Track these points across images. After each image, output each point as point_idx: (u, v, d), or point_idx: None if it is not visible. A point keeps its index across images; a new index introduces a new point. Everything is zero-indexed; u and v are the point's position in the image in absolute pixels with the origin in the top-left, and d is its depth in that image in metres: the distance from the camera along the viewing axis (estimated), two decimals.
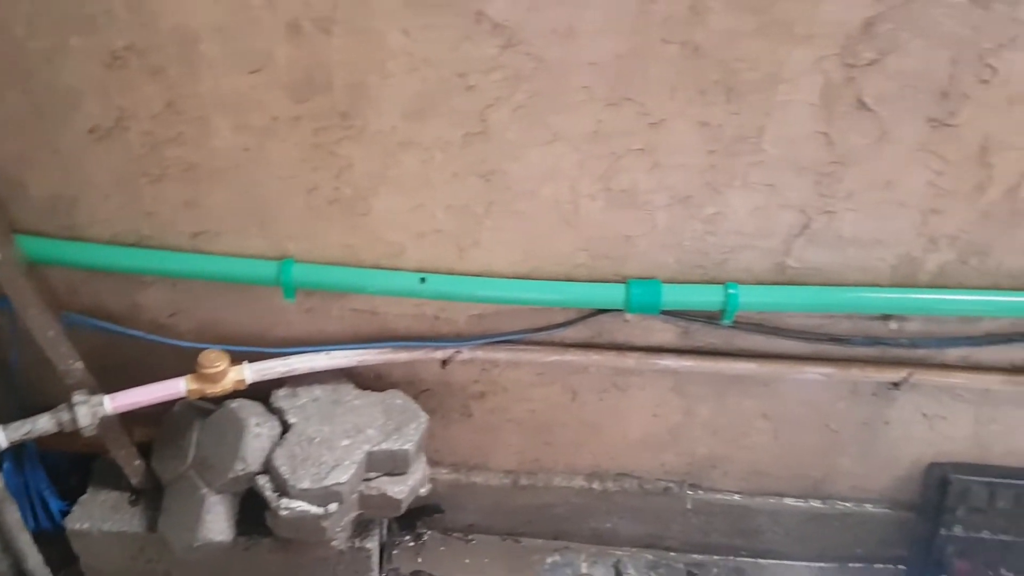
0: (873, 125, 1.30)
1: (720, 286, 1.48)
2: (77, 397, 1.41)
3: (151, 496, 1.63)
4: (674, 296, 1.48)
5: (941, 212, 1.39)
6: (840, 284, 1.49)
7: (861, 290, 1.49)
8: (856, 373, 1.60)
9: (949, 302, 1.47)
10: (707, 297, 1.48)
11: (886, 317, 1.55)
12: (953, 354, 1.59)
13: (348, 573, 1.71)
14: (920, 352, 1.58)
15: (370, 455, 1.54)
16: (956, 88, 1.26)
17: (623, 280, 1.49)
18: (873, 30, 1.20)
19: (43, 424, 1.40)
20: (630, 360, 1.62)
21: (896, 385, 1.64)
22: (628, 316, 1.54)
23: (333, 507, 1.50)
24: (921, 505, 1.85)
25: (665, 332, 1.60)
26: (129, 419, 1.53)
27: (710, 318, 1.53)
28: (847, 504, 1.89)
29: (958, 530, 1.81)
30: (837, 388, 1.68)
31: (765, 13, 1.18)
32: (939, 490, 1.80)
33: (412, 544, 1.98)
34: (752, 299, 1.48)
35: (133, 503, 1.64)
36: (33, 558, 1.63)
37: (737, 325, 1.55)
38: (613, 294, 1.48)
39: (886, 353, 1.60)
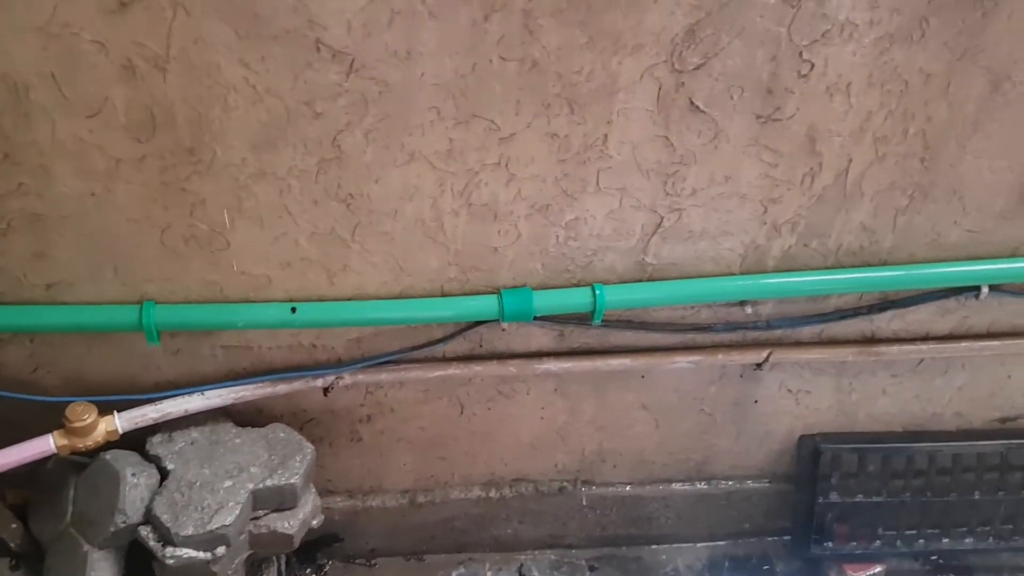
0: (707, 125, 1.37)
1: (587, 288, 1.53)
2: None
3: (32, 559, 1.56)
4: (545, 301, 1.52)
5: (779, 201, 1.48)
6: (696, 276, 1.56)
7: (715, 280, 1.56)
8: (722, 358, 1.68)
9: (796, 284, 1.57)
10: (576, 300, 1.53)
11: (742, 303, 1.63)
12: (807, 332, 1.69)
13: None
14: (777, 332, 1.68)
15: (255, 493, 1.52)
16: (778, 84, 1.35)
17: (495, 291, 1.52)
18: (696, 35, 1.27)
19: None
20: (511, 368, 1.65)
21: (759, 366, 1.73)
22: (504, 325, 1.58)
23: (221, 551, 1.47)
24: (797, 476, 1.95)
25: (542, 337, 1.64)
26: (1, 481, 1.47)
27: (582, 319, 1.58)
28: (729, 482, 1.98)
29: (834, 496, 1.92)
30: (706, 373, 1.76)
31: (592, 26, 1.24)
32: (812, 460, 1.91)
33: None
34: (618, 297, 1.53)
35: (13, 568, 1.57)
36: None
37: (607, 323, 1.60)
38: (487, 305, 1.51)
39: (746, 337, 1.69)
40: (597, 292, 1.52)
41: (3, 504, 1.52)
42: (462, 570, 2.00)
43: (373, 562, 1.99)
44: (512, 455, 1.88)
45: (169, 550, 1.44)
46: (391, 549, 1.99)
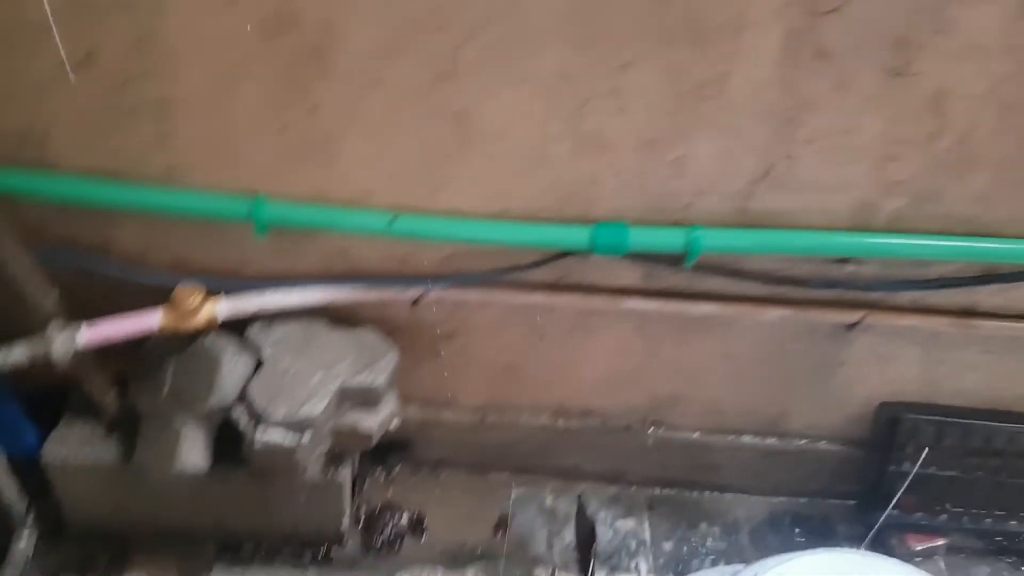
0: (832, 73, 1.33)
1: (684, 229, 1.52)
2: (52, 328, 1.43)
3: (127, 427, 1.67)
4: (639, 239, 1.52)
5: (897, 159, 1.44)
6: (800, 228, 1.54)
7: (820, 234, 1.54)
8: (813, 315, 1.66)
9: (903, 246, 1.53)
10: (671, 240, 1.53)
11: (843, 260, 1.61)
12: (905, 297, 1.66)
13: (321, 502, 1.77)
14: (875, 295, 1.65)
15: (342, 389, 1.59)
16: (913, 38, 1.30)
17: (590, 222, 1.53)
18: None
19: (17, 355, 1.42)
20: (595, 301, 1.67)
21: (851, 327, 1.71)
22: (594, 258, 1.59)
23: (306, 438, 1.55)
24: (872, 442, 1.94)
25: (629, 274, 1.65)
26: (104, 352, 1.56)
27: (673, 261, 1.58)
28: (801, 441, 1.98)
29: (906, 466, 1.90)
30: (795, 329, 1.74)
31: None
32: (889, 428, 1.89)
33: (383, 478, 2.04)
34: (714, 242, 1.53)
35: (109, 434, 1.68)
36: (8, 489, 1.68)
37: (699, 268, 1.60)
38: (580, 236, 1.52)
39: (842, 296, 1.66)
40: (694, 235, 1.52)
41: (105, 373, 1.62)
42: (522, 491, 2.06)
43: (439, 472, 2.07)
44: (584, 388, 1.91)
45: (259, 432, 1.52)
46: (457, 462, 2.06)
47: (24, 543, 1.75)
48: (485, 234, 1.54)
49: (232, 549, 1.84)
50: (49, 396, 1.72)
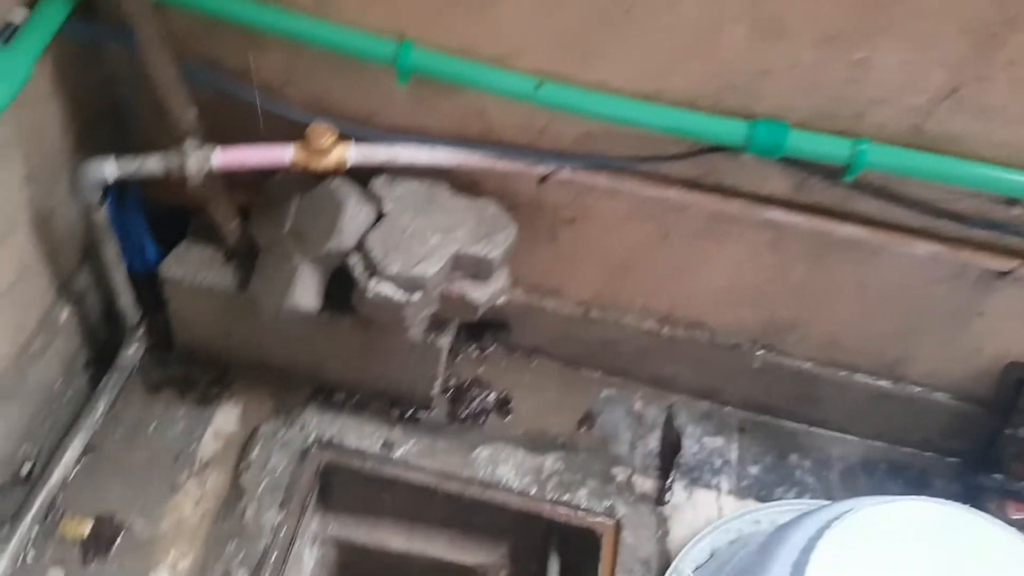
0: None
1: (850, 140, 1.41)
2: (188, 144, 1.43)
3: (244, 258, 1.69)
4: (799, 143, 1.42)
5: None
6: (975, 158, 1.42)
7: (995, 168, 1.41)
8: (966, 255, 1.55)
9: None
10: (834, 149, 1.42)
11: (1011, 201, 1.48)
12: None
13: (417, 364, 1.78)
14: None
15: (457, 255, 1.57)
16: None
17: (749, 118, 1.43)
18: None
19: (152, 164, 1.43)
20: (734, 206, 1.59)
21: (1002, 275, 1.59)
22: (744, 157, 1.49)
23: (416, 297, 1.54)
24: (992, 401, 1.84)
25: (778, 182, 1.55)
26: (232, 180, 1.57)
27: (830, 173, 1.48)
28: (917, 389, 1.88)
29: (1023, 432, 1.81)
30: (941, 269, 1.63)
31: None
32: (1015, 389, 1.78)
33: (477, 355, 2.04)
34: (881, 159, 1.41)
35: (227, 261, 1.71)
36: (125, 297, 1.72)
37: (857, 185, 1.49)
38: (736, 131, 1.43)
39: (1000, 239, 1.54)
40: (861, 147, 1.41)
41: (230, 201, 1.63)
42: (613, 392, 2.03)
43: (532, 359, 2.05)
44: (698, 298, 1.84)
45: (372, 282, 1.52)
46: (551, 352, 2.04)
47: (132, 352, 1.81)
48: (634, 114, 1.46)
49: (326, 393, 1.88)
50: (174, 217, 1.75)
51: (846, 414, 1.97)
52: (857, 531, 1.42)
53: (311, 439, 1.77)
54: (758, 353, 1.89)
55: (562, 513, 1.75)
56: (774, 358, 1.89)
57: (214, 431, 1.80)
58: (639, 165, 1.57)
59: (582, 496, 1.77)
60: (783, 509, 1.84)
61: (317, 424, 1.79)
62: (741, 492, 1.90)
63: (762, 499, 1.90)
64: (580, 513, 1.75)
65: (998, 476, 1.87)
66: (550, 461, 1.82)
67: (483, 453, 1.80)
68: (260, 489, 1.68)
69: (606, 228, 1.74)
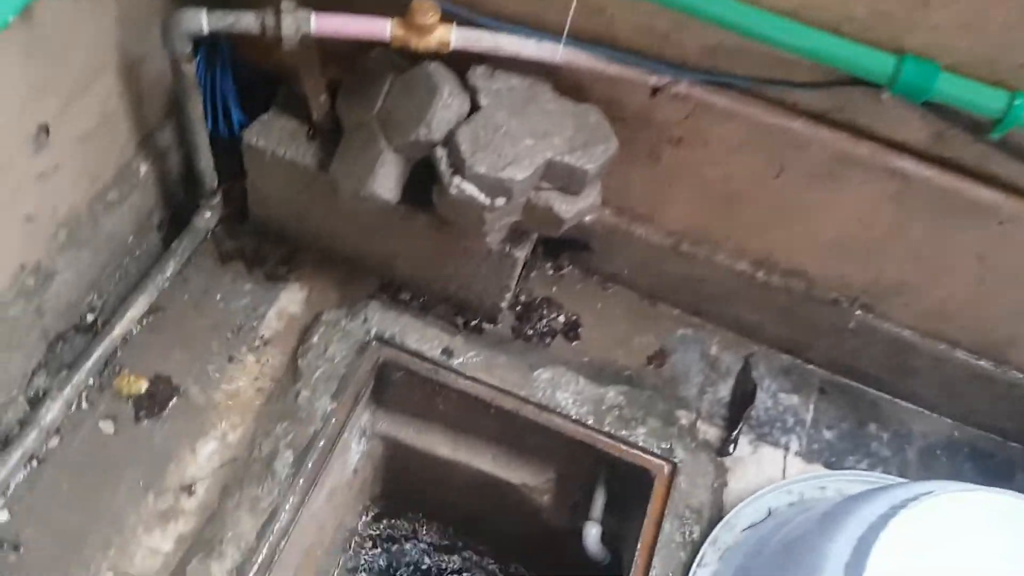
0: None
1: (1008, 92, 1.25)
2: (286, 5, 1.35)
3: (328, 137, 1.62)
4: (948, 87, 1.27)
5: None
6: None
7: None
8: None
9: None
10: (987, 100, 1.27)
11: None
12: None
13: (490, 273, 1.71)
14: None
15: (550, 163, 1.47)
16: None
17: (897, 52, 1.28)
18: None
19: (246, 21, 1.36)
20: (862, 149, 1.44)
21: None
22: (884, 96, 1.34)
23: (500, 202, 1.46)
24: None
25: (915, 128, 1.40)
26: (326, 51, 1.49)
27: (977, 127, 1.32)
28: (1020, 375, 1.74)
29: None
30: None
31: None
32: None
33: (551, 273, 1.96)
34: None
35: (310, 138, 1.64)
36: (205, 159, 1.68)
37: (1003, 144, 1.34)
38: (881, 64, 1.28)
39: None
40: (1018, 102, 1.25)
41: (321, 74, 1.55)
42: (690, 332, 1.93)
43: (609, 286, 1.96)
44: (802, 245, 1.71)
45: (456, 179, 1.44)
46: (631, 282, 1.94)
47: (207, 218, 1.78)
48: (770, 30, 1.31)
49: (392, 291, 1.83)
50: (261, 86, 1.69)
51: (937, 391, 1.84)
52: (931, 516, 1.32)
53: (372, 334, 1.72)
54: (856, 313, 1.76)
55: (617, 448, 1.68)
56: (872, 320, 1.76)
57: (277, 310, 1.77)
58: (766, 88, 1.44)
59: (640, 434, 1.70)
60: (853, 479, 1.75)
61: (379, 320, 1.75)
62: (810, 455, 1.80)
63: (831, 466, 1.80)
64: (636, 451, 1.69)
65: None
66: (612, 394, 1.75)
67: (543, 375, 1.74)
68: (316, 375, 1.66)
69: (715, 155, 1.61)
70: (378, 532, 2.11)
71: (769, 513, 1.68)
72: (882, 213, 1.56)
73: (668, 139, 1.62)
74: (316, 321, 1.75)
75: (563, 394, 1.71)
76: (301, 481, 1.54)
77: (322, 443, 1.58)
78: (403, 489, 2.02)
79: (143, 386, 1.62)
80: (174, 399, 1.63)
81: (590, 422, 1.69)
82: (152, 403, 1.61)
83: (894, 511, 1.34)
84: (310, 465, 1.56)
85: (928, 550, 1.30)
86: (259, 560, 1.45)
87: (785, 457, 1.79)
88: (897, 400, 1.90)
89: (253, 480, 1.53)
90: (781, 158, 1.55)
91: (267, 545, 1.47)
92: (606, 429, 1.69)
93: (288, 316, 1.77)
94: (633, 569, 1.55)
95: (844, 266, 1.70)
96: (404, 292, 1.83)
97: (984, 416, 1.85)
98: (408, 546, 2.12)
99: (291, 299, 1.80)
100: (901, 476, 1.79)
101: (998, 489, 1.36)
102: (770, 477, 1.75)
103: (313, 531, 1.70)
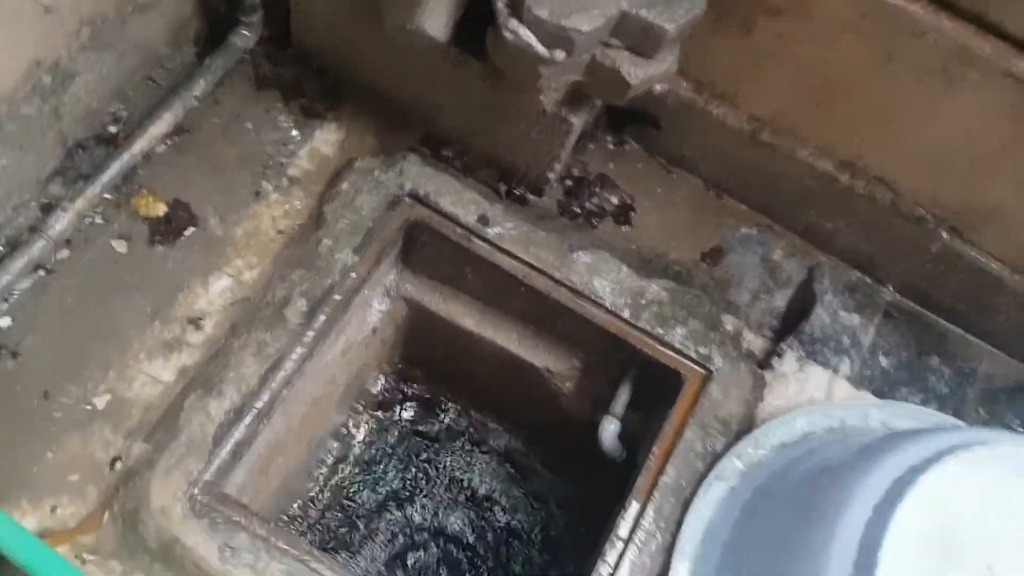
0: None
1: None
2: None
3: None
4: None
5: None
6: None
7: None
8: None
9: None
10: None
11: None
12: None
13: (541, 137, 1.57)
14: None
15: (623, 15, 1.31)
16: None
17: None
18: None
19: None
20: (986, 47, 1.25)
21: None
22: None
23: (559, 55, 1.31)
24: None
25: None
26: None
27: None
28: None
29: None
30: None
31: None
32: None
33: (611, 147, 1.81)
34: None
35: None
36: None
37: None
38: None
39: None
40: None
41: None
42: (754, 232, 1.78)
43: (673, 170, 1.81)
44: (897, 150, 1.53)
45: (513, 23, 1.28)
46: (698, 168, 1.79)
47: (245, 36, 1.66)
48: None
49: (434, 144, 1.70)
50: None
51: (1014, 332, 1.68)
52: (980, 468, 1.22)
53: (406, 188, 1.61)
54: (943, 235, 1.59)
55: (651, 346, 1.58)
56: (959, 246, 1.59)
57: (310, 149, 1.67)
58: None
59: (678, 335, 1.59)
60: (903, 413, 1.61)
61: (416, 175, 1.63)
62: (860, 381, 1.68)
63: (881, 395, 1.67)
64: (670, 352, 1.58)
65: None
66: (655, 288, 1.62)
67: (583, 258, 1.61)
68: (340, 225, 1.57)
69: (818, 32, 1.42)
70: (394, 395, 2.08)
71: (804, 436, 1.57)
72: (995, 126, 1.37)
73: (766, 8, 1.43)
74: (349, 167, 1.64)
75: (601, 281, 1.59)
76: (311, 333, 1.47)
77: (338, 297, 1.51)
78: (423, 355, 1.97)
79: (161, 209, 1.55)
80: (191, 228, 1.56)
81: (626, 315, 1.58)
82: (169, 228, 1.55)
83: (939, 456, 1.23)
84: (323, 318, 1.49)
85: (968, 507, 1.19)
86: (258, 405, 1.41)
87: (832, 379, 1.67)
88: (969, 335, 1.75)
89: (262, 324, 1.47)
90: (891, 46, 1.36)
91: (268, 391, 1.42)
92: (642, 325, 1.58)
93: (320, 157, 1.67)
94: (645, 470, 1.47)
95: (939, 181, 1.52)
96: (447, 148, 1.70)
97: None
98: (424, 410, 2.09)
99: (326, 139, 1.69)
100: (956, 416, 1.66)
101: None
102: (811, 398, 1.64)
103: (323, 383, 1.65)
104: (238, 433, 1.39)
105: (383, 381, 2.04)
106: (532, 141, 1.59)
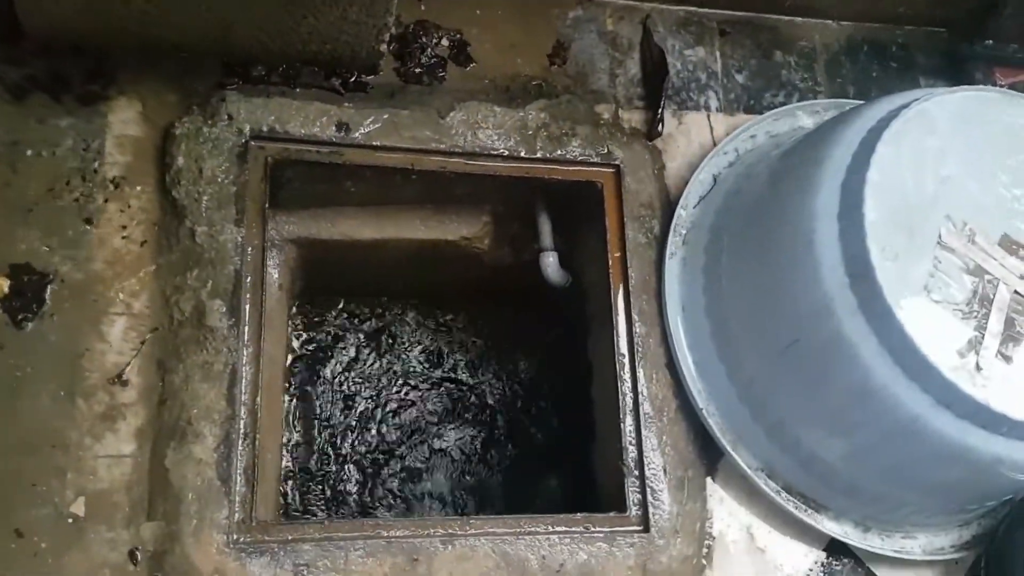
0: None
1: None
2: None
3: None
4: None
5: None
6: None
7: None
8: None
9: None
10: None
11: None
12: None
13: (361, 12, 1.42)
14: None
15: None
16: None
17: None
18: None
19: None
20: None
21: None
22: None
23: None
24: None
25: None
26: None
27: None
28: None
29: None
30: None
31: None
32: None
33: None
34: None
35: None
36: None
37: None
38: None
39: None
40: None
41: None
42: (580, 13, 1.77)
43: None
44: None
45: None
46: None
47: None
48: None
49: (241, 70, 1.54)
50: None
51: None
52: (928, 115, 1.38)
53: (246, 132, 1.46)
54: None
55: (558, 170, 1.59)
56: None
57: (115, 139, 1.46)
58: None
59: (575, 147, 1.60)
60: (776, 119, 1.75)
61: (247, 113, 1.47)
62: (730, 107, 1.79)
63: (752, 110, 1.80)
64: (577, 167, 1.60)
65: (988, 43, 1.82)
66: (533, 113, 1.61)
67: (456, 117, 1.56)
68: (204, 204, 1.42)
69: None
70: (313, 331, 2.00)
71: (714, 181, 1.67)
72: None
73: None
74: (170, 138, 1.46)
75: (485, 132, 1.56)
76: (247, 328, 1.37)
77: (249, 278, 1.40)
78: (329, 285, 1.89)
79: (4, 285, 1.34)
80: (48, 287, 1.37)
81: (523, 153, 1.56)
82: (25, 299, 1.35)
83: (892, 115, 1.38)
84: (248, 307, 1.38)
85: (934, 140, 1.37)
86: (242, 425, 1.33)
87: (709, 118, 1.77)
88: (794, 18, 1.88)
89: (191, 345, 1.36)
90: None
91: (243, 406, 1.34)
92: (540, 155, 1.57)
93: (131, 141, 1.47)
94: (613, 288, 1.53)
95: None
96: (256, 67, 1.54)
97: (876, 8, 1.87)
98: (345, 328, 2.04)
99: (123, 119, 1.48)
100: (815, 98, 1.82)
101: (977, 87, 1.46)
102: (701, 144, 1.74)
103: (270, 365, 1.57)
104: (241, 461, 1.32)
105: (303, 332, 1.96)
106: (352, 21, 1.45)
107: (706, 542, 1.50)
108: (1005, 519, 1.50)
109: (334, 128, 1.49)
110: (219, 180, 1.42)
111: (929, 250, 1.32)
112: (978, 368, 1.28)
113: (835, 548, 1.55)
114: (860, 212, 1.30)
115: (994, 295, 1.33)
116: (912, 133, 1.37)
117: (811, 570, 1.54)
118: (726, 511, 1.53)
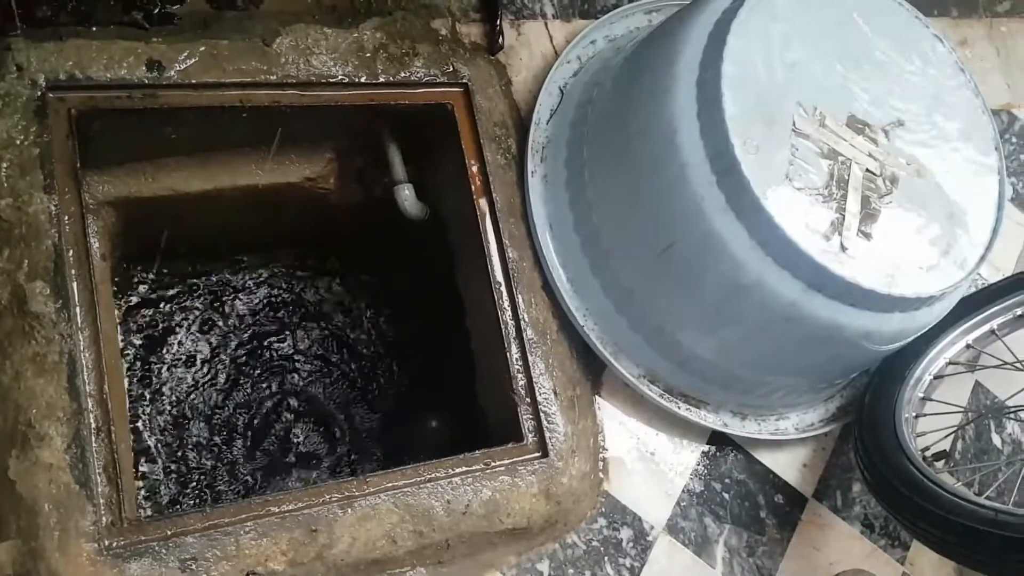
0: None
1: None
2: None
3: None
4: None
5: None
6: None
7: None
8: None
9: None
10: None
11: None
12: None
13: None
14: None
15: None
16: None
17: None
18: None
19: None
20: None
21: None
22: None
23: None
24: None
25: None
26: None
27: None
28: None
29: None
30: None
31: None
32: None
33: None
34: None
35: None
36: None
37: None
38: None
39: None
40: None
41: None
42: None
43: None
44: None
45: None
46: None
47: None
48: None
49: (23, 13, 1.31)
50: None
51: None
52: (759, 12, 1.40)
53: (41, 83, 1.27)
54: None
55: (404, 95, 1.49)
56: None
57: None
58: None
59: (419, 68, 1.51)
60: (612, 22, 1.74)
61: (38, 60, 1.27)
62: (565, 12, 1.75)
63: (587, 15, 1.77)
64: (423, 89, 1.51)
65: None
66: (368, 33, 1.49)
67: (284, 43, 1.42)
68: (3, 172, 1.22)
69: None
70: (146, 300, 1.82)
71: (562, 93, 1.64)
72: None
73: None
74: None
75: (319, 58, 1.43)
76: (78, 308, 1.21)
77: (71, 251, 1.23)
78: (159, 246, 1.71)
79: None
80: None
81: (364, 79, 1.46)
82: None
83: (736, 4, 1.40)
84: (75, 284, 1.22)
85: (778, 25, 1.40)
86: (92, 418, 1.19)
87: (547, 26, 1.72)
88: None
89: (16, 337, 1.18)
90: None
91: (90, 398, 1.19)
92: (382, 79, 1.47)
93: None
94: (480, 217, 1.48)
95: None
96: (40, 7, 1.33)
97: None
98: (183, 293, 1.87)
99: None
100: None
101: None
102: (543, 54, 1.69)
103: (109, 348, 1.40)
104: (98, 459, 1.18)
105: (135, 301, 1.78)
106: None
107: (601, 455, 1.51)
108: (868, 388, 1.62)
109: (144, 68, 1.32)
110: (17, 142, 1.23)
111: (786, 138, 1.36)
112: (843, 248, 1.34)
113: (717, 439, 1.62)
114: (720, 107, 1.31)
115: (848, 176, 1.39)
116: (756, 20, 1.38)
117: (698, 463, 1.60)
118: (616, 422, 1.55)
